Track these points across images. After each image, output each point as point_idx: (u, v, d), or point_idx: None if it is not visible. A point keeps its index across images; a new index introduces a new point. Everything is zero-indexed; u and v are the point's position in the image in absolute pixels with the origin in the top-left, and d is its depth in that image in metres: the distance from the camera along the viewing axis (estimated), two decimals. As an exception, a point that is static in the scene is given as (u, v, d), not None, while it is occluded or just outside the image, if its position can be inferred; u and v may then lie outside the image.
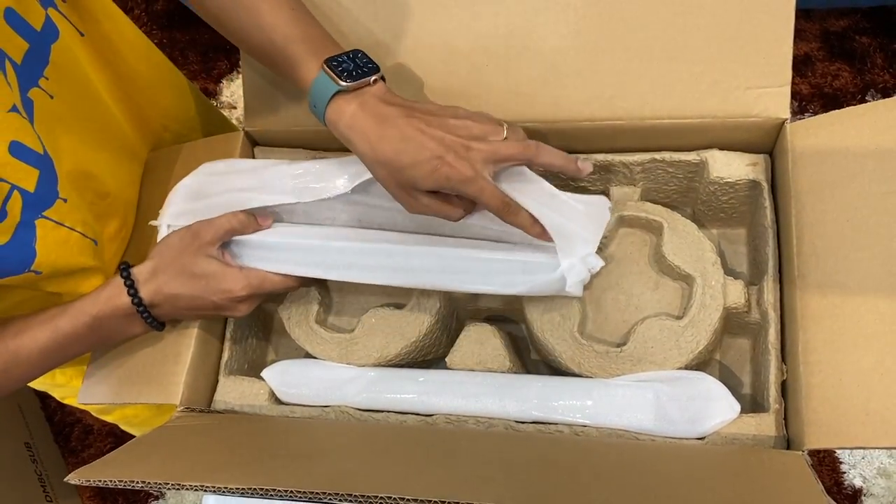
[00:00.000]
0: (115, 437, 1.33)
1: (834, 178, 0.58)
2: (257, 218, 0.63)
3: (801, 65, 1.29)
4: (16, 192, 0.53)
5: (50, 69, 0.59)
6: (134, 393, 0.64)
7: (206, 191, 0.65)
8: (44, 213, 0.56)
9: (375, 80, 0.55)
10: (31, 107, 0.56)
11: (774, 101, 0.62)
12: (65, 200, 0.58)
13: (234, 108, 1.56)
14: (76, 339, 0.58)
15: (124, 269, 0.59)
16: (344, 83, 0.53)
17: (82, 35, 0.65)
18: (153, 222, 0.66)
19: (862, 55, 1.30)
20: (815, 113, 1.27)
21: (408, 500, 0.45)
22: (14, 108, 0.53)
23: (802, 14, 1.32)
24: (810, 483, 0.48)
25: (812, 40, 1.31)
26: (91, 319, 0.58)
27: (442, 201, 0.55)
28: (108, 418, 0.91)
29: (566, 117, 0.65)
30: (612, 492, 0.50)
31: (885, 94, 1.26)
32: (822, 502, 0.45)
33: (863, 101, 1.28)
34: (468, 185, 0.52)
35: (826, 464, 1.09)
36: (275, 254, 0.62)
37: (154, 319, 0.60)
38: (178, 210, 0.64)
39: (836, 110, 0.60)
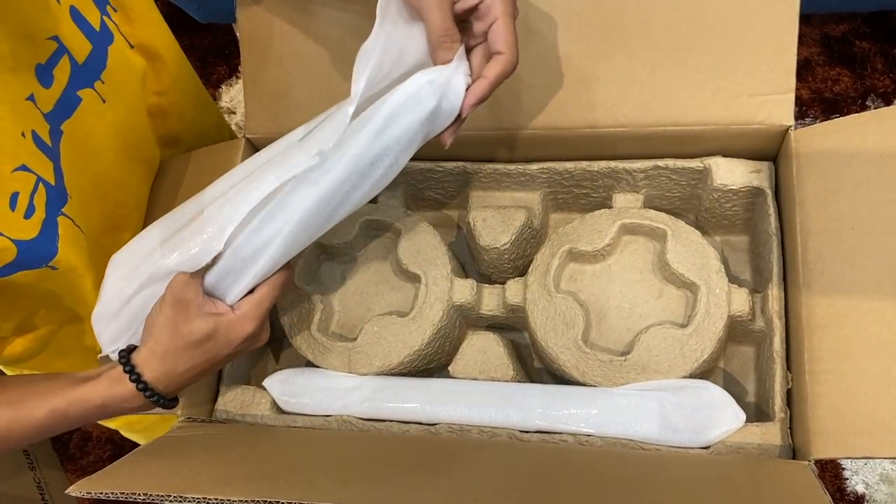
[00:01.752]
0: (114, 445, 1.32)
1: (838, 185, 0.57)
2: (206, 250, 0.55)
3: (801, 70, 1.29)
4: (41, 185, 0.53)
5: (107, 73, 0.60)
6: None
7: (124, 294, 0.58)
8: (63, 210, 0.56)
9: None
10: (75, 104, 0.57)
11: (778, 108, 0.61)
12: (72, 198, 0.58)
13: (234, 113, 1.56)
14: (76, 420, 0.56)
15: (127, 364, 0.55)
16: None
17: (132, 47, 0.65)
18: (100, 356, 0.61)
19: (862, 60, 1.30)
20: (816, 118, 1.27)
21: None
22: (31, 98, 0.53)
23: (802, 19, 1.30)
24: (818, 494, 0.47)
25: (812, 45, 1.31)
26: (97, 408, 0.55)
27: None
28: (111, 424, 0.90)
29: (569, 124, 0.65)
30: (616, 501, 0.49)
31: (886, 98, 1.26)
32: (831, 514, 0.45)
33: (863, 106, 1.28)
34: None
35: (828, 470, 1.08)
36: (246, 264, 0.55)
37: (168, 402, 0.57)
38: (112, 334, 0.59)
39: (840, 117, 0.60)
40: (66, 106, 0.56)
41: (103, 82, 0.59)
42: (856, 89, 1.27)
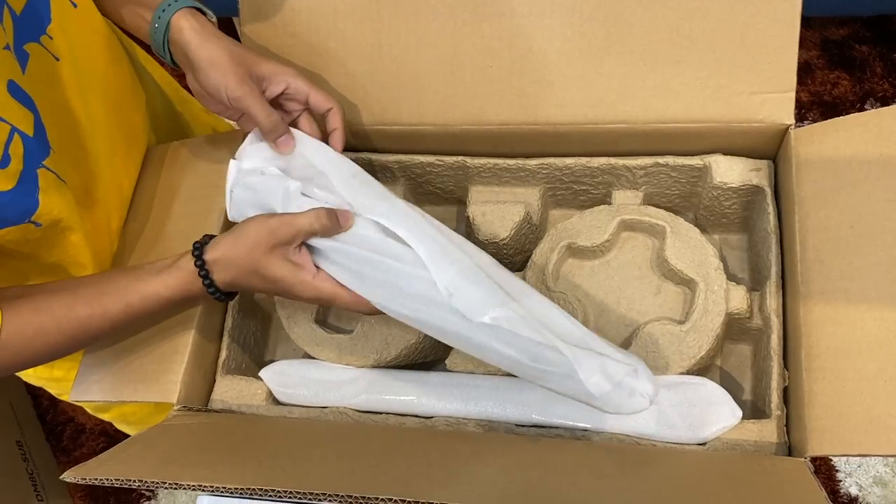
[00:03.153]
0: (108, 437, 1.32)
1: (838, 184, 0.58)
2: (339, 218, 0.56)
3: (800, 72, 1.28)
4: (16, 135, 0.53)
5: (54, 28, 0.59)
6: (130, 390, 0.63)
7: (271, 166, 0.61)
8: (44, 163, 0.56)
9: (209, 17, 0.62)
10: (25, 59, 0.56)
11: (778, 106, 0.62)
12: (55, 151, 0.58)
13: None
14: (147, 316, 0.58)
15: (198, 256, 0.57)
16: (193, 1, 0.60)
17: (75, 6, 0.64)
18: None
19: (861, 64, 1.30)
20: (815, 120, 1.27)
21: (407, 501, 0.45)
22: (7, 47, 0.53)
23: (802, 22, 1.31)
24: (814, 490, 0.47)
25: (812, 48, 1.31)
26: (166, 301, 0.58)
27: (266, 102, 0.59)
28: (105, 416, 0.90)
29: (570, 120, 0.65)
30: (611, 495, 0.49)
31: (885, 102, 1.26)
32: (827, 510, 0.45)
33: (861, 109, 1.28)
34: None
35: (822, 472, 1.09)
36: (353, 266, 0.56)
37: (228, 298, 0.61)
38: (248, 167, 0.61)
39: (840, 117, 0.60)
40: (21, 61, 0.56)
41: (51, 38, 0.59)
42: (855, 93, 1.27)
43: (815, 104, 1.26)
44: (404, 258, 0.54)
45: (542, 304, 0.55)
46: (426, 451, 0.57)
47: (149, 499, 1.27)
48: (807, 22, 1.34)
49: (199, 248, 0.57)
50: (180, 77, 0.70)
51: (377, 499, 0.45)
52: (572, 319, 0.54)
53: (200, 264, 0.56)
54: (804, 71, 1.30)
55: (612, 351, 0.53)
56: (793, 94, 0.62)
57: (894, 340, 0.51)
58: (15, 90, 0.53)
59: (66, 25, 0.62)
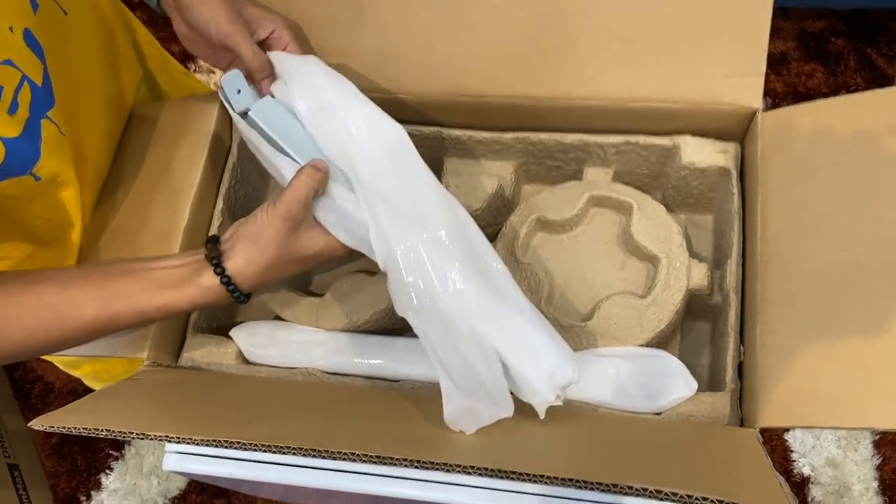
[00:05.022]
0: (77, 396, 1.30)
1: (801, 168, 0.59)
2: (320, 167, 0.56)
3: (776, 63, 1.31)
4: (26, 83, 0.53)
5: None
6: (102, 346, 0.64)
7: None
8: (48, 114, 0.56)
9: None
10: (35, 7, 0.56)
11: (748, 90, 0.63)
12: (58, 104, 0.58)
13: (213, 72, 1.55)
14: (158, 320, 0.59)
15: (221, 273, 0.54)
16: None
17: None
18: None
19: (836, 57, 1.32)
20: (788, 111, 1.29)
21: (367, 455, 0.46)
22: None
23: (780, 13, 1.34)
24: (760, 457, 0.50)
25: (789, 39, 1.33)
26: (182, 313, 0.57)
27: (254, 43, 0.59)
28: (77, 373, 0.90)
29: (545, 94, 0.66)
30: (566, 453, 0.51)
31: (856, 96, 1.29)
32: (771, 476, 0.47)
33: (834, 101, 1.31)
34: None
35: (777, 452, 1.12)
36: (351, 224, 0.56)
37: (246, 299, 0.58)
38: None
39: (808, 102, 0.62)
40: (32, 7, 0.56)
41: None
42: (828, 85, 1.30)
43: (790, 94, 1.28)
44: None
45: (484, 292, 0.52)
46: (391, 412, 0.59)
47: (116, 459, 1.28)
48: (785, 13, 1.36)
49: (216, 259, 0.55)
50: (162, 40, 0.70)
51: (341, 453, 0.46)
52: (518, 305, 0.53)
53: (227, 280, 0.54)
54: (780, 61, 1.32)
55: (539, 342, 0.52)
56: (762, 79, 0.63)
57: (844, 320, 0.53)
58: (30, 38, 0.53)
59: None
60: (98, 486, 1.26)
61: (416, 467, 0.46)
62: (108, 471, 1.27)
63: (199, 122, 0.71)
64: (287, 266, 0.56)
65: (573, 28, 0.64)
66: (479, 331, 0.50)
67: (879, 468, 1.10)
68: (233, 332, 0.66)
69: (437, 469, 0.46)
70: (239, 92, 0.59)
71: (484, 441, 0.52)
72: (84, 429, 0.49)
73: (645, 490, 0.42)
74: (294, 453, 0.47)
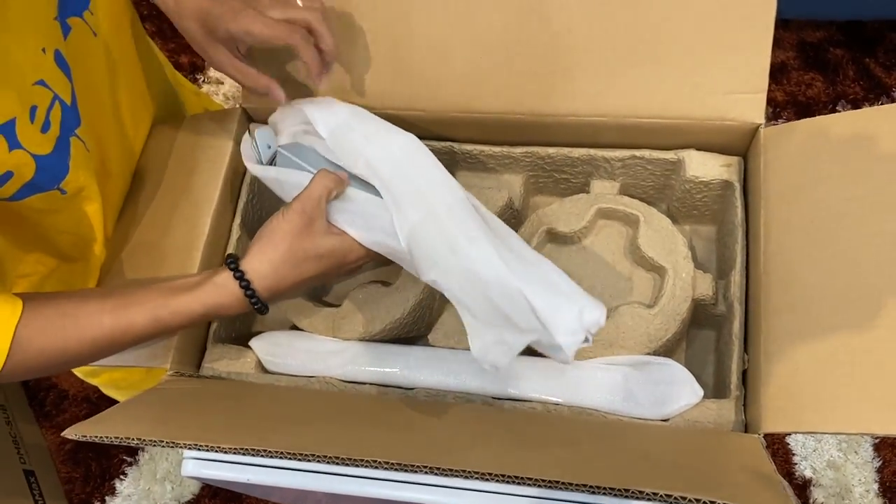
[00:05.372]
0: (91, 403, 1.34)
1: (802, 181, 0.62)
2: (338, 174, 0.59)
3: (776, 73, 1.33)
4: (57, 102, 0.55)
5: (94, 5, 0.62)
6: (125, 356, 0.66)
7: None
8: (76, 132, 0.58)
9: None
10: (67, 31, 0.59)
11: (750, 106, 0.65)
12: (84, 122, 0.60)
13: (222, 83, 1.57)
14: (177, 329, 0.59)
15: (236, 270, 0.56)
16: None
17: None
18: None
19: (835, 66, 1.35)
20: (789, 119, 1.31)
21: (387, 462, 0.48)
22: (58, 18, 0.56)
23: (781, 24, 1.36)
24: (765, 462, 0.52)
25: (789, 49, 1.36)
26: (199, 317, 0.57)
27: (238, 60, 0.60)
28: (95, 381, 0.92)
29: (553, 111, 0.68)
30: (578, 460, 0.53)
31: (855, 104, 1.31)
32: (776, 481, 0.49)
33: (833, 110, 1.33)
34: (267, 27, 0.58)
35: (779, 455, 1.14)
36: (368, 222, 0.59)
37: (265, 308, 0.58)
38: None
39: (808, 118, 0.64)
40: (63, 32, 0.58)
41: (92, 13, 0.61)
42: (827, 94, 1.32)
43: (790, 104, 1.31)
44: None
45: (504, 247, 0.56)
46: (407, 420, 0.61)
47: (130, 465, 1.30)
48: (785, 24, 1.38)
49: (234, 261, 0.56)
50: (170, 52, 0.72)
51: (362, 460, 0.49)
52: (537, 258, 0.57)
53: (240, 276, 0.55)
54: (780, 71, 1.34)
55: (563, 286, 0.55)
56: (764, 95, 0.65)
57: (844, 328, 0.55)
58: (60, 60, 0.55)
59: (100, 2, 0.64)
60: (112, 491, 1.28)
61: (435, 474, 0.49)
62: (122, 476, 1.29)
63: (217, 138, 0.73)
64: (301, 265, 0.56)
65: (580, 47, 0.67)
66: (503, 277, 0.53)
67: (880, 471, 1.12)
68: (252, 342, 0.68)
69: (455, 475, 0.48)
70: (269, 147, 0.63)
71: (498, 448, 0.54)
72: (115, 437, 0.51)
73: (655, 495, 0.44)
74: (316, 461, 0.49)
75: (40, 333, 0.52)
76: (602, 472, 0.47)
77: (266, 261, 0.56)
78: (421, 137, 0.72)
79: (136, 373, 0.88)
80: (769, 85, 1.12)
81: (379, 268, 0.74)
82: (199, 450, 0.52)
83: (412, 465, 0.49)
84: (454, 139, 0.72)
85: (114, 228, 0.73)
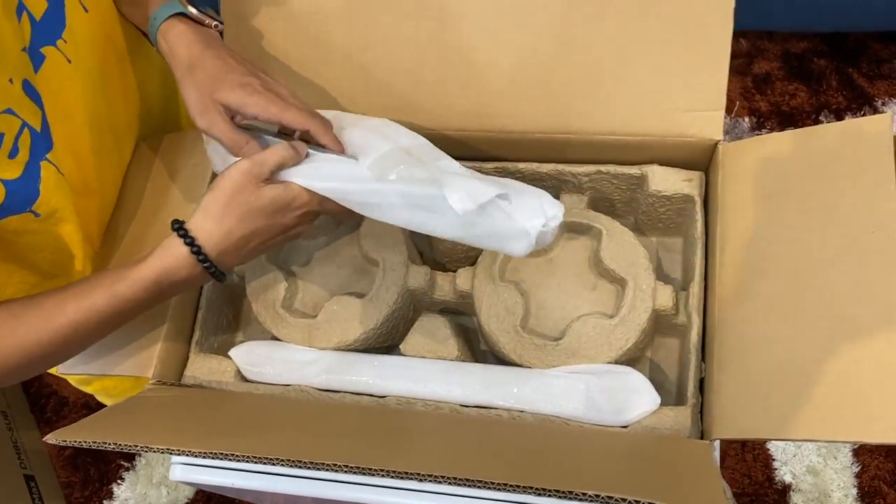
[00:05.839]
0: (90, 410, 1.38)
1: (756, 196, 0.64)
2: (297, 147, 0.60)
3: (761, 83, 1.36)
4: (26, 129, 0.57)
5: (68, 33, 0.65)
6: (110, 365, 0.69)
7: None
8: (47, 156, 0.61)
9: (216, 25, 0.64)
10: (40, 60, 0.61)
11: (709, 123, 0.68)
12: (56, 147, 0.62)
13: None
14: (136, 304, 0.58)
15: (180, 229, 0.57)
16: (190, 8, 0.63)
17: (86, 10, 0.70)
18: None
19: (818, 77, 1.37)
20: (773, 129, 1.33)
21: (354, 467, 0.51)
22: (26, 49, 0.58)
23: (766, 35, 1.38)
24: (710, 466, 0.54)
25: (773, 60, 1.38)
26: (153, 285, 0.57)
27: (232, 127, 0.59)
28: (88, 389, 0.95)
29: (521, 129, 0.71)
30: (538, 462, 0.56)
31: (838, 114, 1.33)
32: (717, 485, 0.51)
33: (816, 120, 1.35)
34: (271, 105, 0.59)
35: (760, 460, 1.16)
36: (320, 171, 0.59)
37: (219, 271, 0.59)
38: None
39: (765, 135, 0.66)
40: (33, 60, 0.61)
41: (65, 42, 0.64)
42: (811, 104, 1.34)
43: (774, 114, 1.33)
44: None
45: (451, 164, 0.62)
46: (377, 426, 0.63)
47: (128, 469, 1.33)
48: (770, 35, 1.40)
49: (179, 222, 0.57)
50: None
51: (332, 464, 0.51)
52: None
53: (184, 233, 0.56)
54: (764, 81, 1.36)
55: (526, 188, 0.59)
56: (722, 113, 0.68)
57: (792, 339, 0.57)
58: (28, 89, 0.58)
59: (78, 29, 0.67)
60: (110, 495, 1.31)
61: (392, 477, 0.51)
62: (119, 481, 1.32)
63: (196, 155, 0.76)
64: (245, 218, 0.56)
65: (546, 67, 0.69)
66: (470, 180, 0.57)
67: (859, 476, 1.14)
68: (231, 352, 0.71)
69: (410, 478, 0.50)
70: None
71: (457, 453, 0.56)
72: (94, 442, 0.54)
73: (597, 496, 0.47)
74: (283, 464, 0.52)
75: (10, 333, 0.55)
76: (549, 476, 0.50)
77: (209, 217, 0.56)
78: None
79: (126, 381, 0.91)
80: (754, 95, 1.14)
81: (334, 234, 0.76)
82: (172, 453, 0.55)
83: (374, 469, 0.51)
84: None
85: (101, 242, 0.76)
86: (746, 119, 1.33)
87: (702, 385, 0.64)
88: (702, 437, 0.62)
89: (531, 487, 0.48)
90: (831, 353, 0.55)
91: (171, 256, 0.57)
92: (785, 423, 0.55)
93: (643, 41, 0.68)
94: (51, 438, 0.56)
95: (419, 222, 0.58)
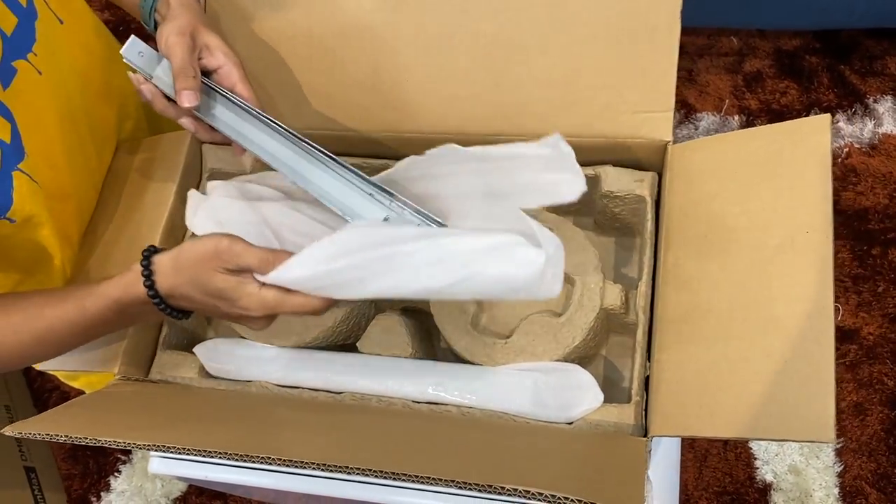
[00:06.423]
0: (92, 405, 1.42)
1: (699, 196, 0.65)
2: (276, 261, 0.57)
3: (751, 81, 1.35)
4: None
5: (38, 46, 0.67)
6: (79, 361, 0.72)
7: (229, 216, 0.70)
8: (19, 166, 0.63)
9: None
10: (11, 74, 0.64)
11: (659, 125, 0.69)
12: (29, 156, 0.65)
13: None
14: (101, 320, 0.60)
15: (145, 259, 0.58)
16: None
17: (62, 22, 0.72)
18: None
19: (810, 74, 1.36)
20: (764, 127, 1.33)
21: (312, 463, 0.52)
22: None
23: (757, 32, 1.38)
24: (640, 463, 0.55)
25: (765, 58, 1.37)
26: (114, 304, 0.59)
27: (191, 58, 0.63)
28: (75, 384, 0.98)
29: (476, 131, 0.72)
30: (481, 456, 0.57)
31: (828, 112, 1.32)
32: (640, 481, 0.52)
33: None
34: None
35: (742, 459, 1.16)
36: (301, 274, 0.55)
37: (171, 310, 0.60)
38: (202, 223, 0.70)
39: (710, 136, 0.67)
40: (4, 75, 0.64)
41: (36, 55, 0.67)
42: (801, 102, 1.33)
43: (764, 112, 1.32)
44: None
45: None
46: (332, 422, 0.65)
47: (124, 462, 1.37)
48: (761, 33, 1.40)
49: (149, 251, 0.59)
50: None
51: (278, 458, 0.53)
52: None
53: (146, 264, 0.58)
54: (756, 79, 1.35)
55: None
56: (671, 114, 0.69)
57: (727, 338, 0.58)
58: None
59: (51, 40, 0.69)
60: (107, 487, 1.35)
61: (331, 470, 0.53)
62: (116, 473, 1.36)
63: (171, 158, 0.79)
64: (196, 288, 0.57)
65: (497, 71, 0.71)
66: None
67: (841, 475, 1.14)
68: (196, 349, 0.74)
69: (350, 472, 0.52)
70: (140, 54, 0.64)
71: (395, 447, 0.58)
72: (46, 434, 0.57)
73: (515, 490, 0.48)
74: (224, 457, 0.54)
75: None
76: (475, 469, 0.51)
77: (173, 263, 0.57)
78: (360, 155, 0.77)
79: (109, 376, 0.94)
80: (744, 94, 1.13)
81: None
82: (117, 446, 0.57)
83: (318, 464, 0.53)
84: (387, 156, 0.77)
85: (80, 244, 0.79)
86: (736, 117, 1.33)
87: (647, 383, 0.65)
88: (645, 435, 0.63)
89: (453, 480, 0.49)
90: (763, 352, 0.56)
91: (133, 282, 0.58)
92: (718, 422, 0.56)
93: (591, 44, 0.69)
94: (8, 431, 0.58)
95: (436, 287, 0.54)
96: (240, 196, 0.71)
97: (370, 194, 0.62)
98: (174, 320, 0.62)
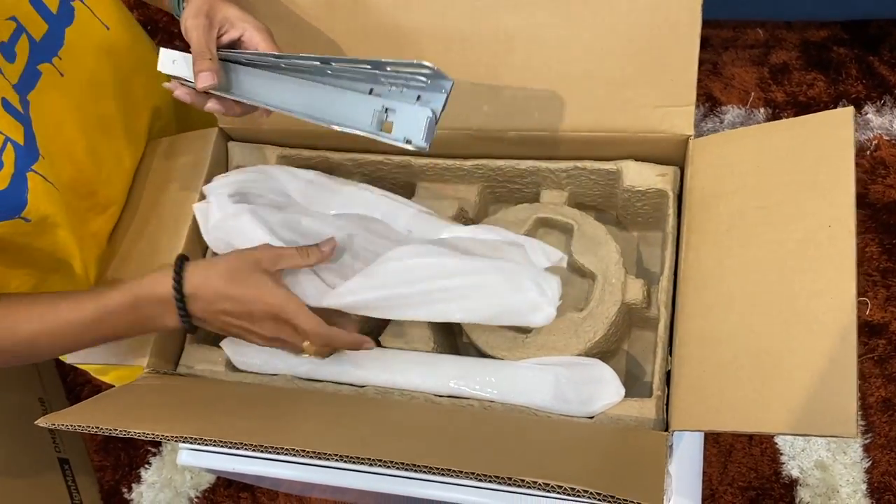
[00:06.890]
0: (122, 398, 1.45)
1: (720, 190, 0.65)
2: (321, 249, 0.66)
3: (778, 73, 1.33)
4: (9, 144, 0.62)
5: (65, 51, 0.70)
6: (108, 354, 0.73)
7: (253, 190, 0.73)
8: (33, 167, 0.65)
9: None
10: (36, 77, 0.67)
11: (680, 119, 0.68)
12: (44, 158, 0.67)
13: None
14: (116, 316, 0.63)
15: (179, 259, 0.63)
16: None
17: (108, 28, 0.74)
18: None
19: (837, 66, 1.34)
20: (790, 120, 1.31)
21: (335, 455, 0.53)
22: (0, 72, 0.63)
23: (783, 24, 1.36)
24: (660, 458, 0.55)
25: (791, 49, 1.35)
26: (133, 298, 0.62)
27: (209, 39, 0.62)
28: (106, 378, 1.01)
29: (497, 127, 0.72)
30: (502, 449, 0.58)
31: (856, 104, 1.30)
32: (660, 475, 0.52)
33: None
34: None
35: (767, 454, 1.15)
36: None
37: (186, 313, 0.63)
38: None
39: (732, 130, 0.67)
40: (29, 78, 0.66)
41: (61, 58, 0.69)
42: (829, 94, 1.31)
43: (790, 104, 1.30)
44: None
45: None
46: (355, 414, 0.66)
47: (154, 454, 1.40)
48: (788, 24, 1.38)
49: (183, 258, 0.63)
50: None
51: (302, 450, 0.54)
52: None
53: (179, 262, 0.61)
54: (782, 72, 1.34)
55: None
56: (692, 108, 0.68)
57: (747, 333, 0.58)
58: (7, 106, 0.62)
59: (82, 45, 0.72)
60: (138, 479, 1.38)
61: (354, 462, 0.54)
62: (147, 465, 1.39)
63: (196, 155, 0.80)
64: (230, 279, 0.61)
65: (518, 67, 0.71)
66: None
67: (869, 471, 1.12)
68: (223, 343, 0.75)
69: (374, 464, 0.53)
70: (174, 62, 0.65)
71: (419, 441, 0.59)
72: (77, 426, 0.58)
73: (536, 483, 0.49)
74: (244, 448, 0.55)
75: (8, 318, 0.62)
76: (497, 462, 0.52)
77: (206, 262, 0.62)
78: (381, 151, 0.78)
79: (138, 370, 0.96)
80: (770, 86, 1.12)
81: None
82: (146, 437, 0.58)
83: (341, 455, 0.54)
84: (411, 153, 0.77)
85: (108, 240, 0.81)
86: (762, 110, 1.31)
87: (669, 377, 0.65)
88: (666, 429, 0.63)
89: (473, 473, 0.50)
90: (785, 347, 0.56)
91: (157, 279, 0.62)
92: (738, 416, 0.56)
93: (612, 38, 0.69)
94: (42, 422, 0.60)
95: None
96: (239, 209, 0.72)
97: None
98: (186, 326, 0.64)
